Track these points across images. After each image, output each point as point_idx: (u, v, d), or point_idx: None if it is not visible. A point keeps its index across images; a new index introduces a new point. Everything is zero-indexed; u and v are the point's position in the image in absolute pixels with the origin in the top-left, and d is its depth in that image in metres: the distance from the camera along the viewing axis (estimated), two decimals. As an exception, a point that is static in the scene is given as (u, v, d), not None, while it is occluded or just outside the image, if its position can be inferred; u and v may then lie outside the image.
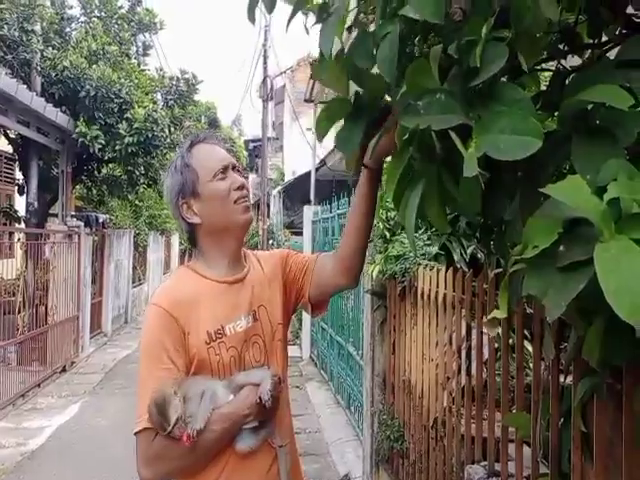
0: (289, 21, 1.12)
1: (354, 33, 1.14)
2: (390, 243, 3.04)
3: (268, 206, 13.11)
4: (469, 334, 2.41)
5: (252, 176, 16.68)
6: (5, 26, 6.92)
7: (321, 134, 1.16)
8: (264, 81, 12.17)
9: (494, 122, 0.83)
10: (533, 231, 0.82)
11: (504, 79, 0.98)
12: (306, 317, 7.73)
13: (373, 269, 3.20)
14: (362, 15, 1.08)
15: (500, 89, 0.87)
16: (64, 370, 7.38)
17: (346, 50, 1.08)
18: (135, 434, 1.22)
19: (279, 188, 13.93)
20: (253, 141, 18.71)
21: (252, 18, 1.28)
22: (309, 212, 7.55)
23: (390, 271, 3.08)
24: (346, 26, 1.14)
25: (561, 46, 1.21)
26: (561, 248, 0.78)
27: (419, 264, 2.88)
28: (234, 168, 1.39)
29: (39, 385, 6.59)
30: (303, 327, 7.83)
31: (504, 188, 0.93)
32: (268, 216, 12.86)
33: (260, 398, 1.23)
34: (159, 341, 1.25)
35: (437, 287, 2.75)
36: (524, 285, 0.80)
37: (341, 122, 1.17)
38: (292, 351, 8.25)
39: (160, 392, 1.18)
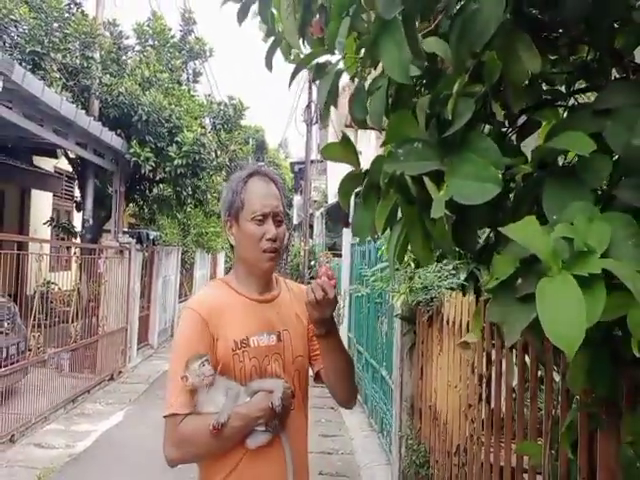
0: (291, 79, 1.25)
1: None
2: (415, 273, 3.09)
3: (311, 227, 13.30)
4: (490, 362, 2.43)
5: (297, 197, 16.95)
6: (68, 55, 7.43)
7: (345, 204, 1.28)
8: (308, 106, 12.44)
9: (461, 168, 0.91)
10: (497, 265, 0.89)
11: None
12: (344, 338, 7.74)
13: (398, 299, 3.26)
14: (361, 68, 1.19)
15: (471, 138, 0.95)
16: (112, 379, 7.68)
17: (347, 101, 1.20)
18: (164, 417, 1.37)
19: (322, 210, 14.10)
20: (298, 163, 19.03)
21: (270, 66, 1.42)
22: (348, 235, 7.63)
23: (416, 301, 3.13)
24: (349, 77, 1.27)
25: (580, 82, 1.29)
26: (519, 281, 0.85)
27: (443, 294, 2.92)
28: (276, 216, 1.48)
29: (88, 392, 6.88)
30: (341, 349, 7.84)
31: (471, 226, 1.00)
32: (311, 237, 13.04)
33: (272, 403, 1.36)
34: (190, 340, 1.40)
35: (461, 314, 2.77)
36: (487, 312, 0.87)
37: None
38: (330, 372, 8.28)
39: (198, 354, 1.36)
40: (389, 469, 4.39)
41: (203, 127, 8.57)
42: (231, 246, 1.55)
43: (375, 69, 1.25)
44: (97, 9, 8.45)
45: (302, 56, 1.28)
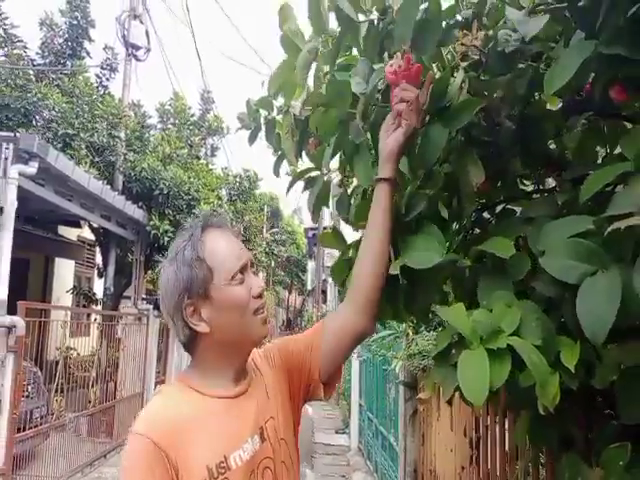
0: (288, 189, 1.58)
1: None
2: (413, 341, 3.33)
3: (324, 292, 13.55)
4: (478, 426, 2.61)
5: (310, 263, 17.33)
6: (95, 134, 8.05)
7: (340, 285, 1.52)
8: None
9: (413, 243, 1.23)
10: (438, 339, 1.16)
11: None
12: (354, 405, 7.82)
13: (396, 365, 3.48)
14: (345, 178, 1.52)
15: (421, 224, 1.26)
16: (127, 444, 7.76)
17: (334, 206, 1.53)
18: None
19: (334, 276, 14.34)
20: (312, 229, 19.55)
21: (277, 173, 1.76)
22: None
23: (415, 367, 3.36)
24: (338, 181, 1.60)
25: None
26: (453, 351, 1.11)
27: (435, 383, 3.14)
28: (252, 266, 1.18)
29: (105, 456, 6.98)
30: (352, 416, 7.92)
31: (424, 304, 1.29)
32: (324, 302, 13.26)
33: None
34: None
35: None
36: (431, 375, 1.14)
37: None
38: (341, 440, 8.31)
39: None
40: (397, 537, 4.43)
41: (220, 198, 9.07)
42: (187, 339, 1.13)
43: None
44: (123, 91, 9.17)
45: (297, 170, 1.62)
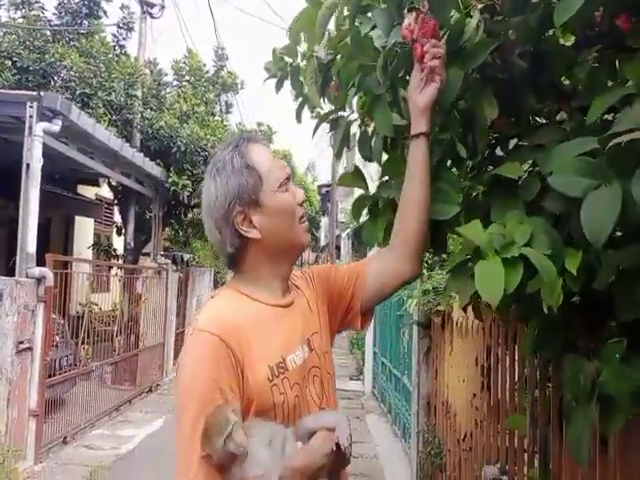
0: (314, 131, 1.70)
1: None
2: (429, 279, 3.50)
3: (338, 248, 13.75)
4: (489, 354, 2.80)
5: (324, 219, 17.47)
6: (113, 93, 8.13)
7: (357, 220, 1.64)
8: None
9: (434, 195, 1.35)
10: (454, 256, 1.31)
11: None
12: (369, 351, 8.10)
13: (411, 303, 3.66)
14: (366, 118, 1.63)
15: (441, 172, 1.39)
16: (150, 391, 8.20)
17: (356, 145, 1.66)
18: None
19: (348, 231, 14.56)
20: (326, 186, 19.62)
21: (299, 119, 1.87)
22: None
23: (429, 304, 3.54)
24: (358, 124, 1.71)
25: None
26: (469, 264, 1.27)
27: (451, 297, 3.31)
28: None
29: (129, 402, 7.41)
30: (366, 363, 8.22)
31: (442, 235, 1.44)
32: (338, 258, 13.47)
33: (337, 445, 1.03)
34: (212, 380, 1.01)
35: (467, 318, 3.16)
36: (447, 286, 1.29)
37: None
38: (355, 386, 8.65)
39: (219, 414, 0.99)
40: (409, 468, 4.73)
41: (235, 155, 9.16)
42: (236, 250, 1.16)
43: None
44: (139, 50, 9.20)
45: (322, 113, 1.74)
